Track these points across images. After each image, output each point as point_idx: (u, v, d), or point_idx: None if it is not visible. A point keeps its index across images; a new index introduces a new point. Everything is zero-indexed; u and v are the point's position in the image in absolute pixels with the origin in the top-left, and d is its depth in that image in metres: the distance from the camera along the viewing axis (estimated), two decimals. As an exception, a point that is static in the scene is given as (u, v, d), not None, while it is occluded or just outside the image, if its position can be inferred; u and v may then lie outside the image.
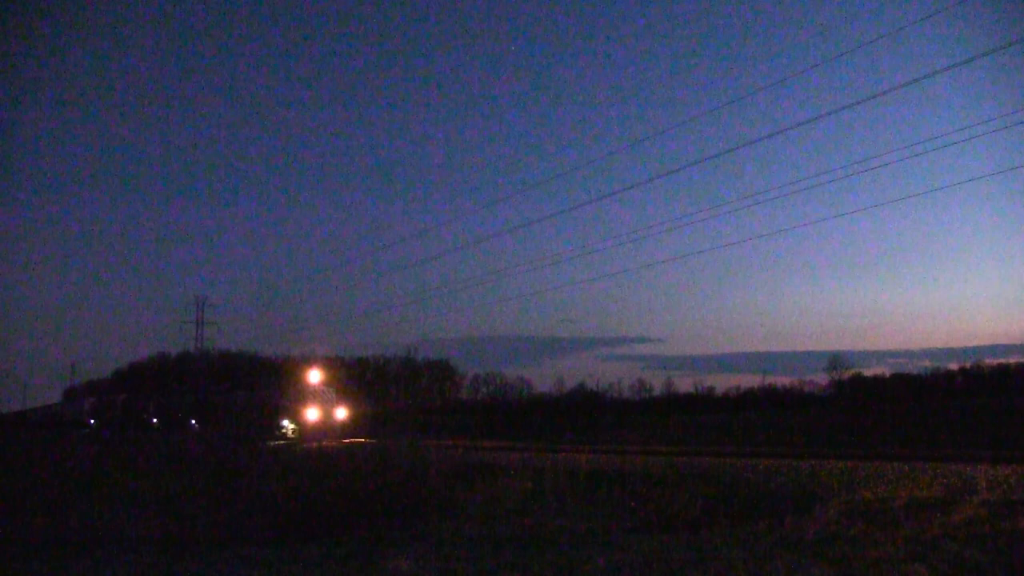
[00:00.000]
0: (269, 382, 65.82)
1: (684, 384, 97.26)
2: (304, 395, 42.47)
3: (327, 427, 38.80)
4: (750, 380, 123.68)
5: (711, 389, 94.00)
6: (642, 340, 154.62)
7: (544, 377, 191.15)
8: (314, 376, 44.79)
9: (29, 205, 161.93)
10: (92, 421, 63.41)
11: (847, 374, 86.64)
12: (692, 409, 72.32)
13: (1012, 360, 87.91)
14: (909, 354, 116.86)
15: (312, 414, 40.70)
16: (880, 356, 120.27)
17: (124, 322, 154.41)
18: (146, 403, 63.06)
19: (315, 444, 30.22)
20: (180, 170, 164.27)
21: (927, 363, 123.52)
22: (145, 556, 9.05)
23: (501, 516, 11.51)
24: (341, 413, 41.99)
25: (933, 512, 9.30)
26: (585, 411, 67.13)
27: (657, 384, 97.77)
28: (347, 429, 38.87)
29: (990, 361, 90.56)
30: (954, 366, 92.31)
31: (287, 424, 42.23)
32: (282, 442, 35.51)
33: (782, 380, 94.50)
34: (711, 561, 7.21)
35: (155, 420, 57.87)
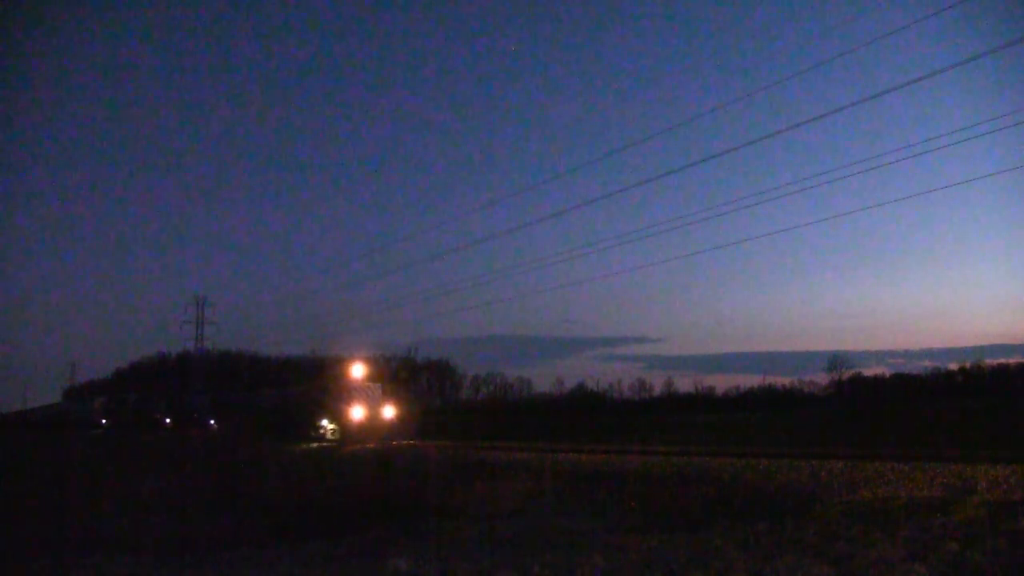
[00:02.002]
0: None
1: (684, 384, 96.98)
2: (348, 392, 38.35)
3: (374, 427, 36.05)
4: (750, 380, 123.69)
5: (711, 389, 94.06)
6: (642, 340, 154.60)
7: (544, 377, 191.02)
8: (358, 371, 40.79)
9: (29, 204, 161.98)
10: (104, 421, 62.66)
11: (847, 374, 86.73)
12: (692, 409, 72.27)
13: (1012, 360, 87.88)
14: (909, 354, 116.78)
15: (357, 413, 36.93)
16: (880, 356, 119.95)
17: (124, 322, 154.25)
18: (158, 402, 61.30)
19: (361, 446, 28.28)
20: (180, 169, 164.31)
21: (927, 363, 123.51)
22: (147, 557, 9.06)
23: (501, 516, 11.52)
24: (389, 412, 37.90)
25: (933, 512, 9.31)
26: (585, 411, 67.02)
27: (657, 384, 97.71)
28: (395, 430, 36.27)
29: (990, 361, 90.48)
30: (954, 366, 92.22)
31: (326, 424, 38.75)
32: (318, 444, 33.43)
33: (782, 380, 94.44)
34: (711, 561, 7.21)
35: (168, 420, 56.03)
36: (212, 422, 49.43)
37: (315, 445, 32.90)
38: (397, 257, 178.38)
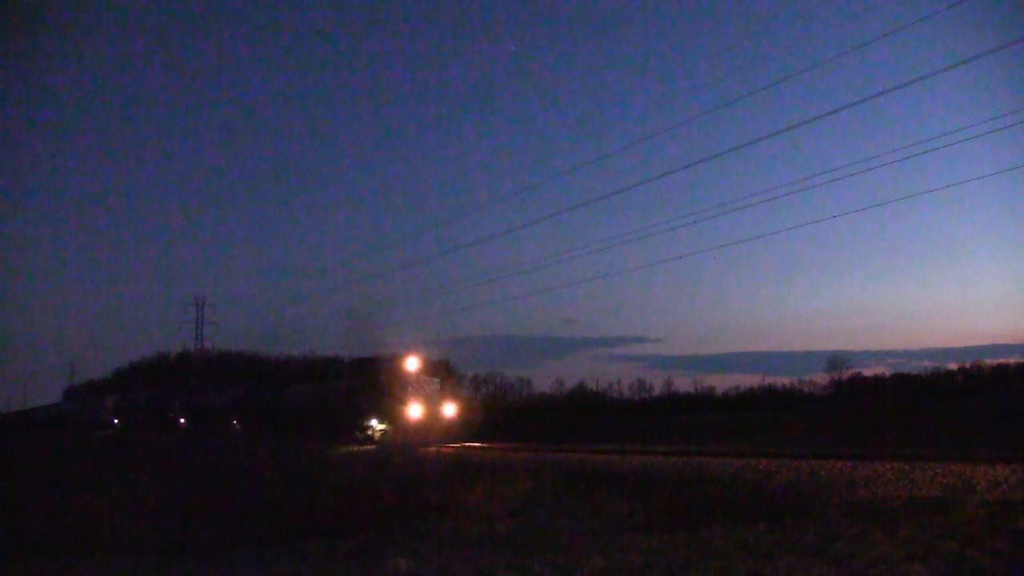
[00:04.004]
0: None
1: (684, 384, 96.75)
2: (402, 388, 33.83)
3: (432, 428, 32.44)
4: (750, 380, 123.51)
5: (711, 389, 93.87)
6: (642, 340, 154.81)
7: (544, 377, 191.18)
8: (412, 364, 35.38)
9: (29, 205, 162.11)
10: (116, 421, 60.90)
11: (847, 374, 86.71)
12: (692, 409, 72.21)
13: (1012, 360, 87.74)
14: (909, 354, 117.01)
15: (415, 411, 32.87)
16: (880, 356, 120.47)
17: (124, 322, 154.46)
18: (171, 401, 58.35)
19: (423, 449, 25.85)
20: (180, 170, 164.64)
21: (927, 363, 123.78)
22: (147, 557, 9.07)
23: (501, 516, 11.52)
24: (449, 410, 33.70)
25: (933, 512, 9.31)
26: (585, 411, 67.03)
27: (657, 384, 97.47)
28: (455, 430, 32.69)
29: (990, 361, 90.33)
30: (954, 366, 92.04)
31: (375, 424, 34.89)
32: (368, 447, 30.69)
33: (782, 380, 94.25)
34: (711, 561, 7.21)
35: (182, 420, 53.90)
36: (235, 422, 46.86)
37: (365, 447, 30.27)
38: (397, 257, 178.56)
